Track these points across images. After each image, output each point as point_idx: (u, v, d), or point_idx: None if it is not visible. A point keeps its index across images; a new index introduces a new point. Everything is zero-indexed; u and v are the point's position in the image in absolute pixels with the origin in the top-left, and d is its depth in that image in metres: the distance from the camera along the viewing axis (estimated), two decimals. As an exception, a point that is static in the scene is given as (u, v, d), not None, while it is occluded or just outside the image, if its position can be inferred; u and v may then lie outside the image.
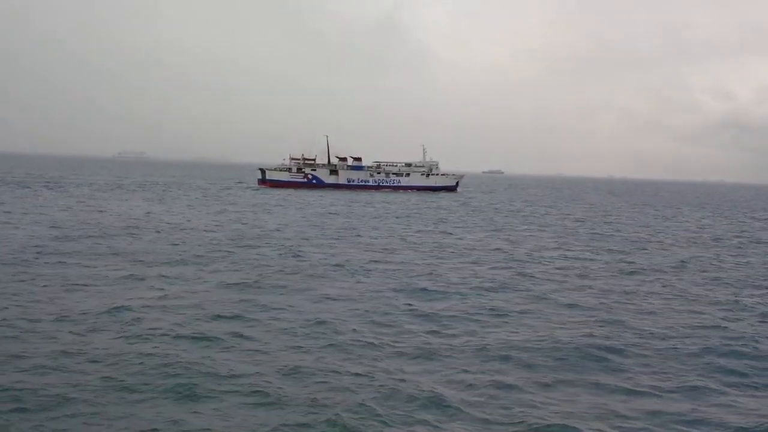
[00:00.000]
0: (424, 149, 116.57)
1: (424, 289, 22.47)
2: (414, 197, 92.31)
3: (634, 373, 14.26)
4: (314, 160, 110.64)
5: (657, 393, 13.16)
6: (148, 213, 47.83)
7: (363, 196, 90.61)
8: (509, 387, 13.22)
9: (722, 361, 15.22)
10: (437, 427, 11.29)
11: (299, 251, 30.30)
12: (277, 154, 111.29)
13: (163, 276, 23.00)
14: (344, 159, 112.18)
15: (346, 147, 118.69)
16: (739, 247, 40.32)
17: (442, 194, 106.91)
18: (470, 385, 13.29)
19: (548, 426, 11.30)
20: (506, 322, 18.36)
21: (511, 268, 28.13)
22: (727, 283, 26.10)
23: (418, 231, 43.32)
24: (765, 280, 27.33)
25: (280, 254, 29.30)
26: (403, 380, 13.29)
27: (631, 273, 27.88)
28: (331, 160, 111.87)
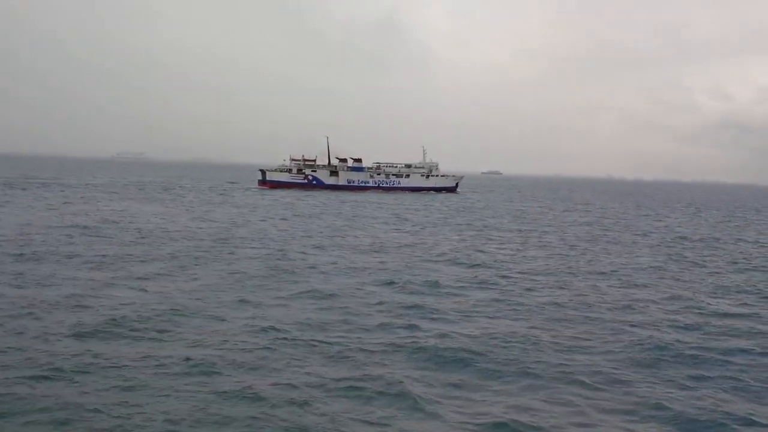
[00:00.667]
0: (424, 150, 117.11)
1: (398, 289, 22.76)
2: (412, 198, 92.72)
3: (593, 369, 14.52)
4: (315, 160, 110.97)
5: (611, 388, 13.53)
6: (135, 214, 47.68)
7: (362, 197, 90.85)
8: (470, 385, 13.50)
9: (669, 358, 15.54)
10: (395, 425, 11.48)
11: (281, 252, 30.52)
12: (276, 155, 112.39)
13: (138, 277, 23.11)
14: (344, 160, 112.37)
15: (345, 147, 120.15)
16: (722, 248, 40.94)
17: (442, 195, 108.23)
18: (430, 384, 13.51)
19: (507, 423, 11.60)
20: (474, 321, 18.67)
21: (490, 267, 28.43)
22: (702, 283, 26.55)
23: (406, 231, 43.75)
24: (742, 279, 27.88)
25: (262, 255, 29.48)
26: (364, 379, 13.46)
27: (609, 273, 28.26)
28: (332, 161, 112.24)
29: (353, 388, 13.04)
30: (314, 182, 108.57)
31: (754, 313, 21.17)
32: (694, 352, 16.35)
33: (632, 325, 18.92)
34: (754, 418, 12.40)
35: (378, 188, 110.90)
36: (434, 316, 19.34)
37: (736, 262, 33.93)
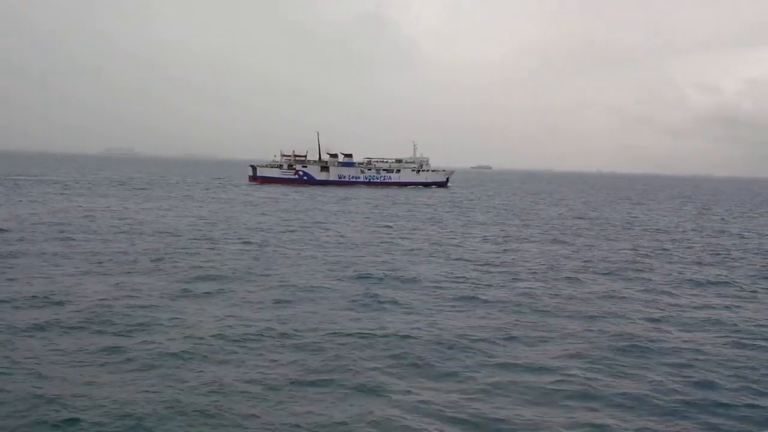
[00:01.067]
0: (414, 145, 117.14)
1: (374, 284, 22.57)
2: (401, 193, 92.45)
3: (563, 363, 14.41)
4: (305, 156, 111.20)
5: (582, 380, 13.38)
6: (117, 210, 46.89)
7: (352, 192, 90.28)
8: (441, 379, 13.48)
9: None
10: (364, 420, 11.38)
11: (260, 247, 30.29)
12: (273, 152, 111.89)
13: (112, 272, 22.82)
14: (335, 155, 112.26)
15: (340, 146, 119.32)
16: (705, 240, 40.84)
17: (431, 190, 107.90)
18: (402, 377, 13.48)
19: (477, 416, 11.60)
20: (448, 315, 18.60)
21: (469, 261, 28.34)
22: (665, 275, 26.48)
23: (389, 226, 43.60)
24: (722, 271, 27.74)
25: (240, 250, 29.29)
26: (334, 372, 13.46)
27: (589, 266, 28.13)
28: (322, 157, 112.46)
29: (323, 382, 12.95)
30: (305, 178, 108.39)
31: (732, 305, 21.13)
32: (664, 345, 16.24)
33: (606, 319, 18.84)
34: (717, 409, 12.38)
35: (369, 183, 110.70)
36: (408, 310, 19.21)
37: (717, 254, 33.91)
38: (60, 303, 18.20)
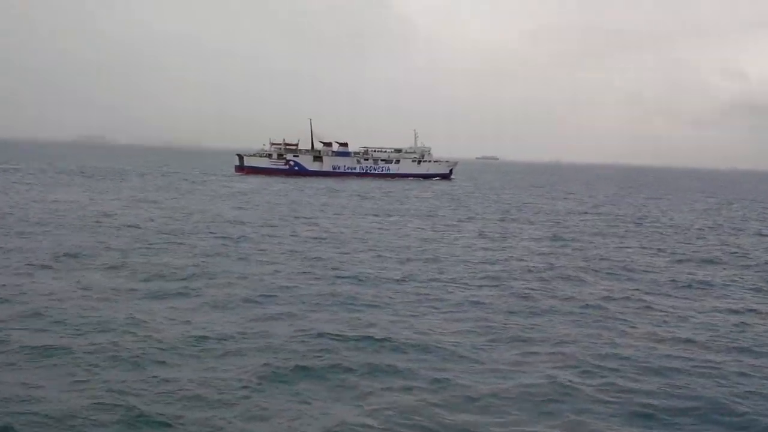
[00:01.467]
0: (415, 134, 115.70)
1: (350, 282, 22.54)
2: (397, 186, 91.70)
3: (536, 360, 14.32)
4: (296, 145, 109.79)
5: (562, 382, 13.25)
6: (84, 203, 46.09)
7: (345, 184, 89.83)
8: (413, 380, 13.55)
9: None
10: (334, 417, 11.46)
11: (234, 243, 30.25)
12: (257, 140, 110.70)
13: (73, 269, 22.73)
14: (329, 144, 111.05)
15: (335, 134, 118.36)
16: (720, 238, 40.90)
17: (431, 182, 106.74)
18: (375, 376, 13.55)
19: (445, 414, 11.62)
20: (429, 316, 18.63)
21: (461, 259, 28.42)
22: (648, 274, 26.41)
23: (378, 222, 43.56)
24: (735, 274, 27.61)
25: (212, 245, 29.15)
26: (304, 371, 13.51)
27: (591, 265, 28.02)
28: (315, 146, 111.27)
29: (292, 389, 12.92)
30: (296, 168, 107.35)
31: (741, 309, 20.92)
32: (661, 353, 16.06)
33: (598, 320, 18.84)
34: (711, 418, 12.42)
35: (365, 175, 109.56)
36: (388, 311, 19.07)
37: (735, 253, 33.77)
38: (7, 300, 18.04)
